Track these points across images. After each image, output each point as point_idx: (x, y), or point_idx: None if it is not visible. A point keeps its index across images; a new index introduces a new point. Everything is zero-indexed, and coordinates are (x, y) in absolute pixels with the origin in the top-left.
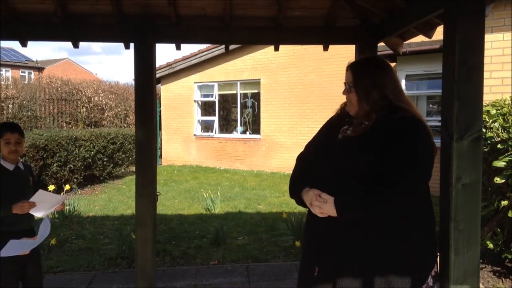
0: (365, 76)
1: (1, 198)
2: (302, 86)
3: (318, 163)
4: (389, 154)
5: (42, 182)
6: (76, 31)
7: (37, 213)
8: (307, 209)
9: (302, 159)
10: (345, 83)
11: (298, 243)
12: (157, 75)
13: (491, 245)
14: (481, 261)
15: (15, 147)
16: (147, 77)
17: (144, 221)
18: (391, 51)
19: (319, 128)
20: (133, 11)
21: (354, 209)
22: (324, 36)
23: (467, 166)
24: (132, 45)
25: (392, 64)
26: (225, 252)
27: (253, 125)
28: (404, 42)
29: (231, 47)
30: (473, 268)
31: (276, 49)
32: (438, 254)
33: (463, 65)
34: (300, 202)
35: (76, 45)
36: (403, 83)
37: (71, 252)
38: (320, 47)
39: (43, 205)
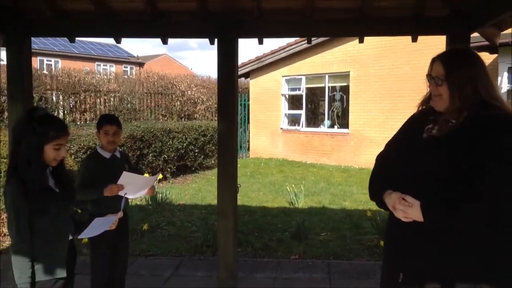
0: (459, 69)
1: (97, 183)
2: (394, 79)
3: (400, 163)
4: (479, 156)
5: (139, 170)
6: (164, 28)
7: (128, 195)
8: (389, 212)
9: (382, 159)
10: (430, 76)
11: (382, 243)
12: (247, 69)
13: None
14: None
15: (113, 137)
16: (229, 71)
17: (225, 212)
18: (487, 42)
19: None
20: (217, 7)
21: (443, 215)
22: (412, 27)
23: None
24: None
25: (493, 56)
26: (307, 247)
27: (342, 119)
28: (507, 33)
29: (320, 40)
30: None
31: (361, 41)
32: None
33: None
34: (381, 204)
35: (164, 41)
36: (505, 76)
37: (161, 237)
38: None
39: (131, 187)
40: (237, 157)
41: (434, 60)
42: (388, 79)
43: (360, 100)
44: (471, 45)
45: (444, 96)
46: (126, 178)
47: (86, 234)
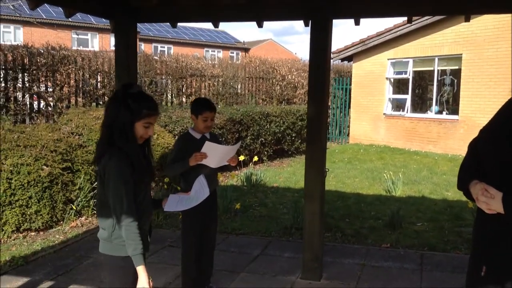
0: None
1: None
2: None
3: (488, 152)
4: None
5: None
6: (259, 11)
7: (211, 164)
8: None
9: (473, 146)
10: None
11: None
12: (350, 53)
13: None
14: None
15: (210, 123)
16: (321, 53)
17: (312, 196)
18: None
19: None
20: None
21: None
22: None
23: None
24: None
25: None
26: (400, 236)
27: (451, 105)
28: None
29: (430, 20)
30: None
31: (467, 19)
32: None
33: None
34: (468, 194)
35: (260, 25)
36: None
37: (253, 217)
38: None
39: (213, 157)
40: (326, 141)
41: None
42: (505, 62)
43: (472, 84)
44: None
45: None
46: (209, 147)
47: (167, 208)
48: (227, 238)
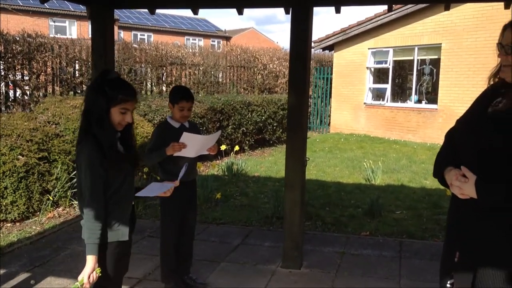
0: None
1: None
2: (490, 52)
3: (463, 140)
4: None
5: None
6: None
7: (189, 154)
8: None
9: (450, 135)
10: (501, 45)
11: None
12: (331, 42)
13: None
14: None
15: (187, 113)
16: (302, 41)
17: (293, 184)
18: None
19: None
20: None
21: (496, 193)
22: None
23: None
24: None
25: None
26: (379, 225)
27: (430, 94)
28: None
29: (410, 9)
30: None
31: (447, 8)
32: None
33: None
34: (443, 181)
35: (240, 12)
36: None
37: (234, 207)
38: None
39: (192, 147)
40: (307, 130)
41: (505, 28)
42: (483, 51)
43: (451, 74)
44: None
45: None
46: (187, 138)
47: (140, 194)
48: (208, 228)
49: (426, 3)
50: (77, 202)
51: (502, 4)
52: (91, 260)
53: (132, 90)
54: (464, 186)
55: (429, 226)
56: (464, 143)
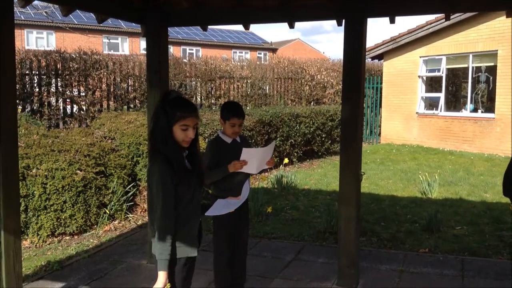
0: None
1: (220, 166)
2: None
3: None
4: None
5: None
6: (291, 12)
7: (251, 171)
8: None
9: None
10: None
11: None
12: (380, 51)
13: None
14: None
15: (238, 129)
16: (355, 53)
17: (348, 200)
18: None
19: None
20: None
21: None
22: None
23: None
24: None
25: None
26: (438, 241)
27: (486, 103)
28: None
29: (463, 16)
30: None
31: (509, 15)
32: None
33: None
34: None
35: (291, 25)
36: None
37: (285, 221)
38: None
39: (253, 162)
40: (361, 143)
41: None
42: None
43: (508, 81)
44: None
45: None
46: (247, 154)
47: (209, 213)
48: (259, 243)
49: (486, 11)
50: (132, 215)
51: None
52: (162, 276)
53: (191, 106)
54: None
55: (492, 242)
56: None
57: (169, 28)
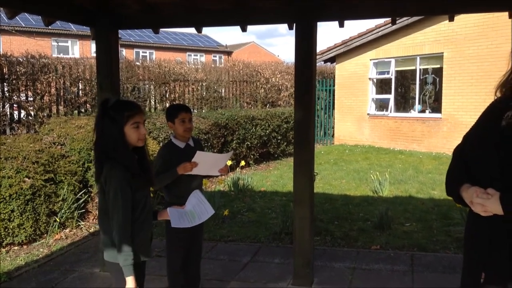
0: None
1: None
2: (493, 59)
3: (477, 156)
4: None
5: None
6: (243, 15)
7: (200, 172)
8: (468, 208)
9: (459, 152)
10: None
11: None
12: (332, 54)
13: None
14: None
15: (189, 124)
16: (307, 56)
17: (302, 200)
18: None
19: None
20: None
21: None
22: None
23: None
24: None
25: None
26: (389, 238)
27: (434, 103)
28: None
29: (410, 20)
30: None
31: (451, 19)
32: None
33: None
34: (458, 200)
35: (244, 29)
36: None
37: (241, 223)
38: None
39: (204, 166)
40: (314, 144)
41: None
42: (486, 59)
43: (454, 82)
44: None
45: None
46: (200, 156)
47: (175, 225)
48: (216, 246)
49: (430, 15)
50: (84, 223)
51: (504, 12)
52: (131, 282)
53: (134, 104)
54: (487, 202)
55: (440, 238)
56: (480, 159)
57: (121, 31)
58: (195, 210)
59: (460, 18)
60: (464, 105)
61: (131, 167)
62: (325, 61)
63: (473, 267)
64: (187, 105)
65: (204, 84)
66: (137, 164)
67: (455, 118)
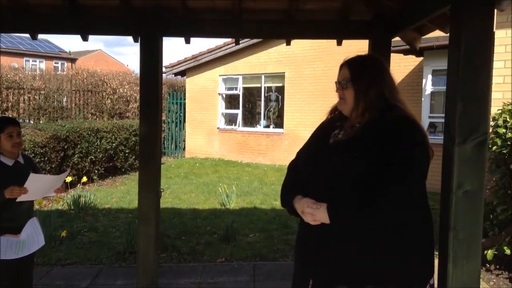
0: (365, 73)
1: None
2: (327, 80)
3: (309, 170)
4: (382, 157)
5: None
6: (84, 24)
7: (33, 197)
8: (299, 218)
9: (293, 166)
10: (338, 82)
11: None
12: (183, 67)
13: (508, 251)
14: (497, 267)
15: (18, 139)
16: (152, 71)
17: (147, 218)
18: (408, 46)
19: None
20: (140, 4)
21: (347, 215)
22: (338, 30)
23: (470, 173)
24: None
25: (419, 59)
26: (234, 250)
27: (277, 119)
28: (432, 36)
29: (256, 40)
30: (473, 281)
31: (288, 43)
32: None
33: (468, 64)
34: (292, 211)
35: (85, 38)
36: (429, 78)
37: (81, 244)
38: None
39: (37, 189)
40: (161, 159)
41: (341, 66)
42: (321, 80)
43: (295, 100)
44: (397, 48)
45: (348, 99)
46: (34, 180)
47: (4, 257)
48: (51, 271)
49: (269, 38)
50: None
51: (329, 39)
52: None
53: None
54: (316, 212)
55: (280, 246)
56: (311, 173)
57: None
58: (28, 240)
59: (299, 41)
60: (303, 121)
61: None
62: (176, 74)
63: (302, 273)
64: (21, 115)
65: (42, 92)
66: None
67: (295, 133)
